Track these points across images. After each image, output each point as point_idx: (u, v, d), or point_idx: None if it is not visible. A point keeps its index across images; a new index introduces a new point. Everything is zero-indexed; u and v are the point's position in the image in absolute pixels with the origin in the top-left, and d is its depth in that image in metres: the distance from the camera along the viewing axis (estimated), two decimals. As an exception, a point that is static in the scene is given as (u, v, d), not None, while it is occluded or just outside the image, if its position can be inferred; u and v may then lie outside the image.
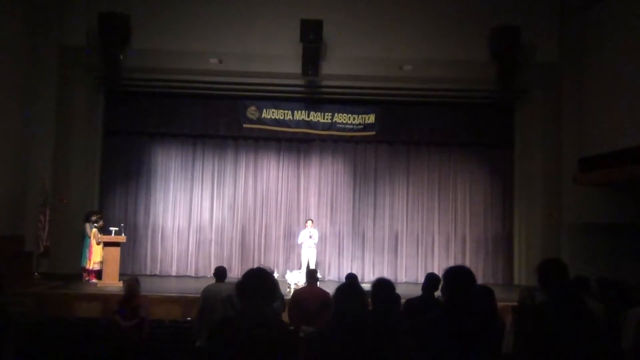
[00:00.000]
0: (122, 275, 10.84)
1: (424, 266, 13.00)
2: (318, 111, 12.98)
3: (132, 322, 6.65)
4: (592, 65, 11.33)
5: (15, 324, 6.92)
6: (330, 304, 5.86)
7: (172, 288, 10.97)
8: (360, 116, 12.99)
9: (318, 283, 6.78)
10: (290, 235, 13.20)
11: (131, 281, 7.03)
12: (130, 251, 12.65)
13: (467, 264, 12.02)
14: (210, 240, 13.21)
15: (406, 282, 12.73)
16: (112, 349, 6.07)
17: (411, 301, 5.12)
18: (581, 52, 11.70)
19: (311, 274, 6.66)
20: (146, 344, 6.51)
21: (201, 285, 7.22)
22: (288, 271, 10.78)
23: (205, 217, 13.29)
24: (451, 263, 12.52)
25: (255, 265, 3.21)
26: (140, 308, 6.76)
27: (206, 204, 13.34)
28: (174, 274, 13.01)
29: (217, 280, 6.69)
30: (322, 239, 12.85)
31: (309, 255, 11.70)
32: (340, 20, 11.99)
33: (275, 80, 12.36)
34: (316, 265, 11.73)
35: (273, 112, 12.94)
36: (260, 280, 2.98)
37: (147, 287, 10.14)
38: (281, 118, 12.96)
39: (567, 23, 12.11)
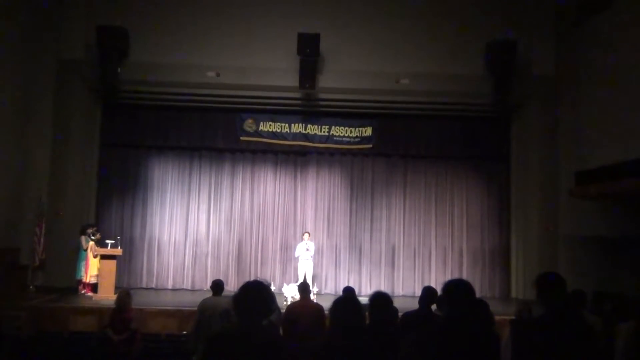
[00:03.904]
0: (117, 289, 10.78)
1: (421, 279, 12.97)
2: (315, 124, 13.02)
3: (123, 336, 6.62)
4: (587, 79, 11.39)
5: (9, 337, 6.88)
6: (324, 317, 5.86)
7: (168, 301, 10.92)
8: (357, 129, 13.04)
9: (315, 296, 6.77)
10: (287, 248, 13.17)
11: (122, 294, 7.00)
12: (127, 264, 12.60)
13: (464, 277, 11.99)
14: (207, 253, 13.18)
15: (403, 295, 12.70)
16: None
17: (408, 315, 5.09)
18: (577, 66, 11.77)
19: (304, 288, 6.63)
20: (142, 358, 6.46)
21: (197, 299, 7.19)
22: (285, 284, 10.74)
23: (201, 230, 13.26)
24: (448, 276, 12.51)
25: (252, 278, 3.19)
26: (131, 321, 6.73)
27: (203, 217, 13.32)
28: (170, 287, 12.95)
29: (214, 294, 6.65)
30: (319, 251, 12.83)
31: (305, 268, 11.67)
32: (337, 34, 12.07)
33: (272, 93, 12.41)
34: (313, 278, 11.70)
35: (270, 124, 12.98)
36: (257, 293, 2.96)
37: (143, 301, 10.15)
38: (278, 131, 13.00)
39: (562, 37, 12.20)
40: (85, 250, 11.23)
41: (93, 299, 10.57)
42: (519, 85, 12.06)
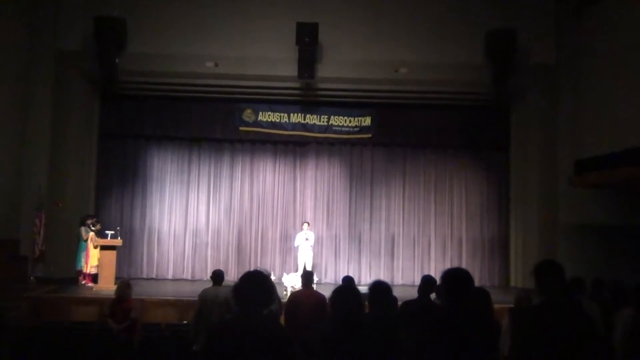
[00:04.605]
0: (117, 279, 10.82)
1: (420, 268, 13.01)
2: (314, 114, 13.00)
3: (123, 325, 6.66)
4: (587, 68, 11.36)
5: (10, 328, 6.91)
6: (326, 307, 5.88)
7: (169, 291, 10.95)
8: (356, 119, 13.02)
9: (315, 286, 6.77)
10: (286, 238, 13.19)
11: (121, 284, 7.05)
12: (127, 255, 12.62)
13: (464, 266, 12.03)
14: (207, 244, 13.20)
15: (402, 285, 12.73)
16: (107, 352, 6.06)
17: (407, 303, 5.12)
18: (576, 55, 11.74)
19: (307, 277, 6.64)
20: (143, 348, 6.49)
21: (197, 289, 7.21)
22: (285, 274, 10.77)
23: (201, 220, 13.27)
24: (447, 265, 12.51)
25: (252, 268, 3.20)
26: (131, 310, 6.77)
27: (202, 207, 13.33)
28: (170, 277, 12.99)
29: (214, 284, 6.67)
30: (319, 241, 12.86)
31: (305, 257, 11.70)
32: (336, 23, 11.99)
33: (271, 83, 12.36)
34: (313, 267, 11.72)
35: (269, 114, 12.96)
36: (257, 283, 2.97)
37: (144, 291, 10.19)
38: (277, 121, 12.98)
39: (562, 26, 12.14)
40: (85, 241, 11.25)
41: (93, 289, 10.60)
42: (518, 74, 12.00)
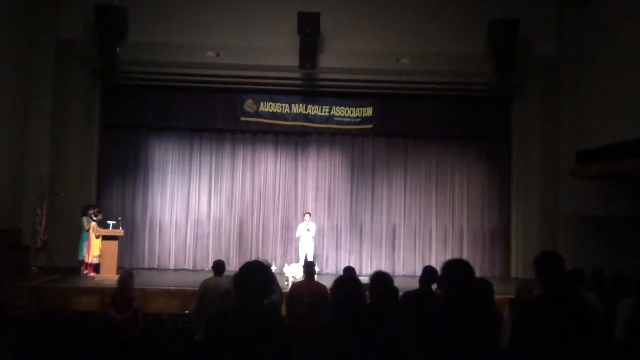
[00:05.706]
0: (119, 269, 10.84)
1: (421, 259, 13.02)
2: (315, 104, 12.97)
3: (126, 315, 6.69)
4: (589, 59, 11.33)
5: (12, 317, 6.93)
6: (327, 297, 5.88)
7: (170, 281, 10.98)
8: (357, 109, 12.99)
9: (316, 276, 6.78)
10: (288, 229, 13.20)
11: (124, 274, 7.07)
12: (128, 245, 12.65)
13: (465, 257, 12.06)
14: (208, 234, 13.22)
15: (404, 275, 12.75)
16: (109, 342, 6.08)
17: (408, 294, 5.12)
18: (579, 46, 11.70)
19: (309, 268, 6.64)
20: (144, 338, 6.52)
21: (199, 279, 7.23)
22: (286, 264, 10.78)
23: (202, 211, 13.29)
24: (448, 256, 12.54)
25: (253, 259, 3.20)
26: (133, 300, 6.80)
27: (204, 198, 13.34)
28: (171, 267, 13.02)
29: (215, 274, 6.69)
30: (320, 232, 12.87)
31: (306, 248, 11.71)
32: (338, 13, 11.96)
33: (272, 73, 12.33)
34: (314, 258, 11.74)
35: (270, 105, 12.93)
36: (257, 273, 2.97)
37: (145, 281, 10.22)
38: (278, 111, 12.95)
39: (565, 17, 12.09)
40: (87, 231, 11.25)
41: (95, 279, 10.62)
42: (520, 64, 11.96)
